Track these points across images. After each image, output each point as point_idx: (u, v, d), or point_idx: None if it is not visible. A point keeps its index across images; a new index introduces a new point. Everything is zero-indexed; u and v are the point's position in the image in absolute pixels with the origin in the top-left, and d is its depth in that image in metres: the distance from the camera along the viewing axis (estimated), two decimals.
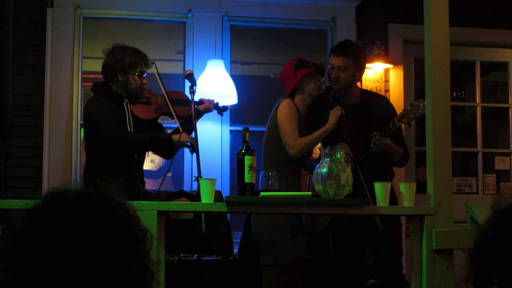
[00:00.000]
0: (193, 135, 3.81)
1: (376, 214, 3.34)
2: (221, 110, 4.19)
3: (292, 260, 3.71)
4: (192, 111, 3.73)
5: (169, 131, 4.25)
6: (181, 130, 3.78)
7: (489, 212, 1.48)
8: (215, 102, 4.15)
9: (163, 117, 4.17)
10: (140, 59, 3.91)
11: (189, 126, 3.82)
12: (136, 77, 3.90)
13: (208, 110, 4.12)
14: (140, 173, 4.00)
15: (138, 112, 3.95)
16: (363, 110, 3.96)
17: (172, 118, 3.90)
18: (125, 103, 3.93)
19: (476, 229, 3.07)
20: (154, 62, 3.96)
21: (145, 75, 3.96)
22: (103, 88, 3.97)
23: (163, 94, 3.95)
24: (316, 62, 3.92)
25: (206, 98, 4.22)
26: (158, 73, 3.92)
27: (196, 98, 3.98)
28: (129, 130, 3.88)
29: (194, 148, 3.78)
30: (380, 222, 3.44)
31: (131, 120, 3.91)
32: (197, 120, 3.98)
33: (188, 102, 4.02)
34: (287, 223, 3.70)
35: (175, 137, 3.79)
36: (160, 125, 4.17)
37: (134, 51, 3.93)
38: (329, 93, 3.85)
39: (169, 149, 3.83)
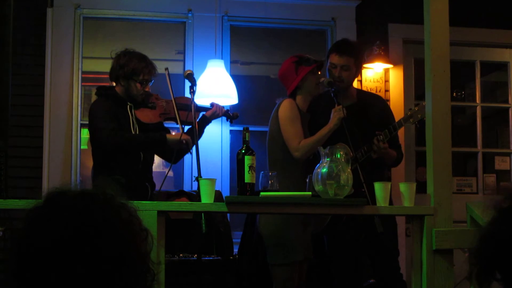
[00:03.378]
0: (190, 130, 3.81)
1: (376, 215, 3.33)
2: (231, 117, 4.11)
3: (301, 259, 3.71)
4: (193, 111, 3.73)
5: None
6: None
7: (494, 210, 1.49)
8: (224, 109, 4.09)
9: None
10: (143, 67, 3.88)
11: (192, 132, 3.79)
12: (138, 84, 3.89)
13: (215, 115, 4.07)
14: (149, 174, 4.00)
15: (141, 116, 3.95)
16: (361, 110, 3.96)
17: (177, 123, 3.88)
18: (128, 106, 3.93)
19: (477, 228, 3.07)
20: (167, 68, 3.91)
21: (151, 83, 3.95)
22: (106, 91, 3.98)
23: (170, 100, 3.92)
24: (316, 59, 3.89)
25: (207, 95, 4.18)
26: (169, 79, 3.88)
27: (197, 98, 3.97)
28: (133, 133, 3.88)
29: (188, 145, 3.78)
30: (380, 225, 3.42)
31: (135, 123, 3.91)
32: (205, 126, 4.02)
33: (196, 108, 4.02)
34: (295, 222, 3.69)
35: (170, 136, 3.80)
36: (167, 129, 4.17)
37: (140, 58, 3.91)
38: (330, 89, 3.83)
39: (164, 148, 3.82)
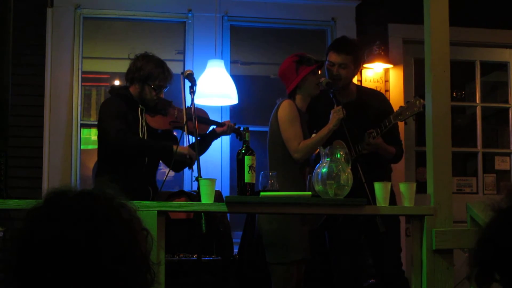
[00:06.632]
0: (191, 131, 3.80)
1: (378, 215, 3.32)
2: (241, 135, 3.97)
3: (299, 259, 3.71)
4: (193, 111, 3.72)
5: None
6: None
7: (493, 210, 1.49)
8: (234, 126, 4.06)
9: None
10: (160, 73, 3.87)
11: (201, 145, 3.81)
12: (152, 89, 3.88)
13: (224, 133, 4.05)
14: (152, 178, 4.00)
15: (151, 121, 3.94)
16: (360, 107, 3.95)
17: (185, 133, 3.85)
18: (139, 109, 3.92)
19: (477, 228, 3.07)
20: (182, 73, 3.86)
21: (165, 90, 3.95)
22: (120, 91, 3.97)
23: (183, 109, 3.90)
24: (317, 59, 3.89)
25: (207, 95, 4.16)
26: (183, 85, 3.87)
27: (197, 98, 3.95)
28: (140, 136, 3.88)
29: (192, 162, 3.78)
30: (382, 224, 3.42)
31: (144, 127, 3.90)
32: (213, 140, 4.03)
33: (206, 121, 4.02)
34: (294, 221, 3.70)
35: (177, 148, 3.78)
36: (175, 137, 4.16)
37: (157, 63, 3.90)
38: (329, 90, 3.83)
39: (170, 158, 3.81)
